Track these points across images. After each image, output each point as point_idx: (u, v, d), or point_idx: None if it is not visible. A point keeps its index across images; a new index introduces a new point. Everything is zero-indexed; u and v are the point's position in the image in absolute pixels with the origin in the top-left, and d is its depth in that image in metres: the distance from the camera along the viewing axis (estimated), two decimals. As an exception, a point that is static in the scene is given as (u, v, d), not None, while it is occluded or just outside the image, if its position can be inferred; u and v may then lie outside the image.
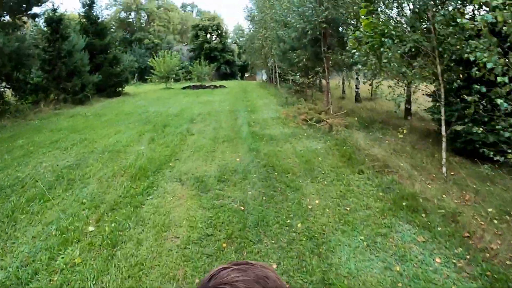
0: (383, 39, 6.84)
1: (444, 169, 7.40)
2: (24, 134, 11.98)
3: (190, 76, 41.74)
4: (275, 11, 20.04)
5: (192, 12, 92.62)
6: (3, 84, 17.54)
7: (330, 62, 14.06)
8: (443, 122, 7.52)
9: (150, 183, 6.88)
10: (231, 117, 14.34)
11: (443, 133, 7.51)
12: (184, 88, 33.15)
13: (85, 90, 20.78)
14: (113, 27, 63.04)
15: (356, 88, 20.30)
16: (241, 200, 6.06)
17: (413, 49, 7.02)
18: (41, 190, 6.64)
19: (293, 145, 9.67)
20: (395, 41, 6.62)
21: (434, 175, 7.51)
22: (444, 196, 6.38)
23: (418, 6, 6.60)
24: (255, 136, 10.77)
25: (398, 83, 7.99)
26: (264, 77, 48.44)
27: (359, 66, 7.42)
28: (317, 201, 6.07)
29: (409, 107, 14.65)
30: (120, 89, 26.86)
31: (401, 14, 10.09)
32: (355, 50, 7.50)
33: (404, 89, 14.59)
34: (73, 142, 10.50)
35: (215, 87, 33.30)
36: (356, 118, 12.49)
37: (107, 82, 24.51)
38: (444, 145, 7.53)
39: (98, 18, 25.98)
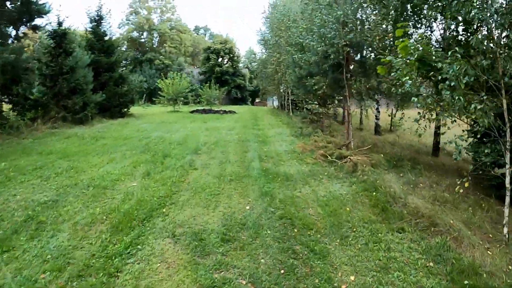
0: (442, 65, 5.37)
1: (505, 230, 5.83)
2: (10, 155, 10.71)
3: (200, 99, 40.44)
4: (291, 33, 18.80)
5: (205, 35, 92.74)
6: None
7: (353, 90, 12.64)
8: (507, 171, 5.95)
9: (135, 238, 5.36)
10: (240, 149, 12.80)
11: (507, 184, 5.94)
12: (192, 112, 31.75)
13: (86, 109, 19.53)
14: (125, 46, 62.84)
15: (376, 119, 18.80)
16: (251, 274, 4.50)
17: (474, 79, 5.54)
18: (3, 235, 5.31)
19: (314, 189, 8.09)
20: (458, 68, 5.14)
21: (490, 236, 5.99)
22: (510, 267, 4.89)
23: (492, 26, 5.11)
24: (268, 174, 9.21)
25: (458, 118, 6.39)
26: (276, 103, 47.35)
27: (414, 99, 5.85)
28: (352, 277, 4.55)
29: (437, 142, 13.16)
30: (125, 110, 25.54)
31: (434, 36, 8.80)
32: (407, 78, 5.98)
33: (430, 121, 13.18)
34: (58, 171, 9.14)
35: (225, 112, 31.90)
36: (382, 155, 10.92)
37: (111, 102, 23.27)
38: (507, 200, 5.96)
39: (106, 34, 24.96)
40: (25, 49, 20.14)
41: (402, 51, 6.39)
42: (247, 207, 6.75)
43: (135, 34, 65.98)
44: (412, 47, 6.16)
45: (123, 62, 61.45)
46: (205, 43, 72.51)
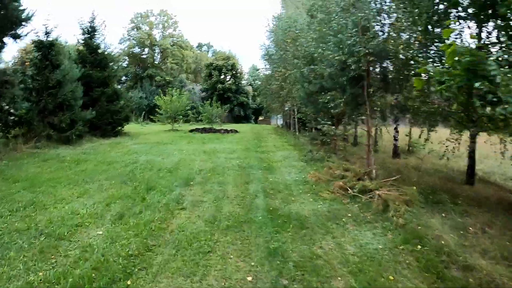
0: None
1: None
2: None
3: (201, 117, 38.42)
4: (299, 44, 17.00)
5: (208, 52, 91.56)
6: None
7: (375, 108, 10.74)
8: None
9: None
10: (241, 179, 10.68)
11: None
12: (192, 131, 29.60)
13: (74, 127, 17.70)
14: (126, 61, 61.65)
15: (395, 140, 16.86)
16: None
17: None
18: None
19: (338, 241, 5.99)
20: None
21: None
22: None
23: None
24: (276, 218, 7.10)
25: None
26: (280, 121, 45.72)
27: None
28: None
29: (472, 167, 11.19)
30: (119, 128, 23.75)
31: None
32: None
33: (458, 142, 11.30)
34: (16, 206, 7.33)
35: (226, 131, 29.81)
36: (414, 188, 8.80)
37: (102, 119, 21.47)
38: None
39: (99, 47, 23.20)
40: (26, 63, 18.76)
41: (450, 57, 4.65)
42: (249, 278, 4.67)
43: (136, 49, 64.64)
44: (461, 52, 4.51)
45: (124, 78, 60.73)
46: (207, 60, 70.92)
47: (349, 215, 7.41)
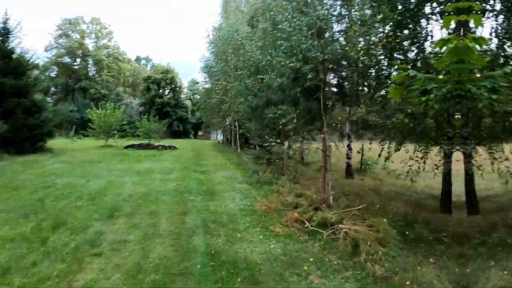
0: None
1: None
2: None
3: (138, 132, 36.26)
4: (242, 53, 15.69)
5: (146, 65, 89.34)
6: None
7: (335, 123, 9.49)
8: None
9: None
10: (177, 207, 8.81)
11: None
12: (127, 147, 27.74)
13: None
14: (55, 72, 58.23)
15: (348, 158, 15.80)
16: None
17: None
18: None
19: None
20: None
21: None
22: None
23: None
24: (220, 266, 5.33)
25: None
26: (220, 137, 44.53)
27: None
28: None
29: (447, 191, 9.73)
30: (41, 143, 21.29)
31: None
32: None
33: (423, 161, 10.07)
34: None
35: (164, 147, 28.38)
36: (385, 220, 7.29)
37: (18, 134, 18.93)
38: None
39: (13, 52, 20.65)
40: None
41: (449, 56, 3.91)
42: None
43: (66, 59, 60.67)
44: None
45: (53, 89, 56.93)
46: (146, 74, 68.43)
47: (311, 259, 5.79)
